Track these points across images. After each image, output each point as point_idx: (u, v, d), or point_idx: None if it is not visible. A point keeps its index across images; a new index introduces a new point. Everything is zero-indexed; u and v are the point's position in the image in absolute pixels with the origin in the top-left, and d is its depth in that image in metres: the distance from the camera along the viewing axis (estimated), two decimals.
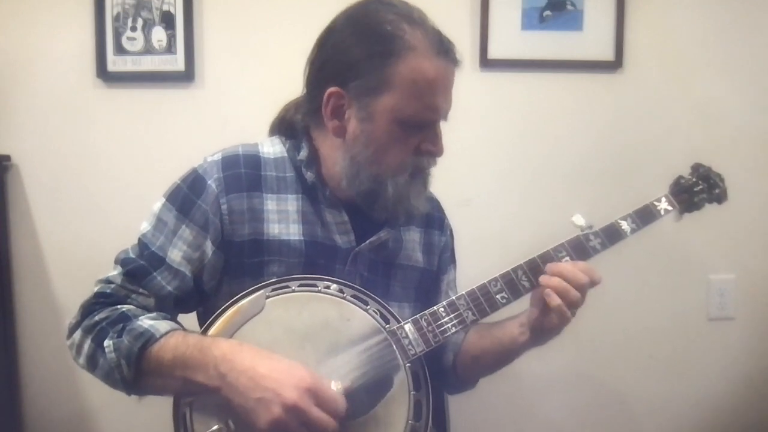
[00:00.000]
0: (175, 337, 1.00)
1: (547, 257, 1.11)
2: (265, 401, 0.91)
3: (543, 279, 1.07)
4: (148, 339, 0.98)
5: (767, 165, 1.93)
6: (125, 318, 1.02)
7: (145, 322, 1.01)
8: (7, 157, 1.83)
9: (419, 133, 1.08)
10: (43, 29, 1.82)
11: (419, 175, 1.12)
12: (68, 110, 1.84)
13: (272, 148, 1.17)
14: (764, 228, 1.95)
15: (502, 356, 1.21)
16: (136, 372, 0.99)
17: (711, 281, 1.96)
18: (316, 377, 0.95)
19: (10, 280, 1.85)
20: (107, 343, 1.00)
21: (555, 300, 1.05)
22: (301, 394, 0.91)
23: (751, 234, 1.94)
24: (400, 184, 1.10)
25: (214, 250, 1.09)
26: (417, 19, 1.06)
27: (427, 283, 1.27)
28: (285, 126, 1.20)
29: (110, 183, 1.85)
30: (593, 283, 1.07)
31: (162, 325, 1.01)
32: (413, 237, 1.25)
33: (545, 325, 1.09)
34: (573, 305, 1.06)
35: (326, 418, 0.92)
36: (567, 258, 1.11)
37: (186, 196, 1.10)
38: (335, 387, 0.97)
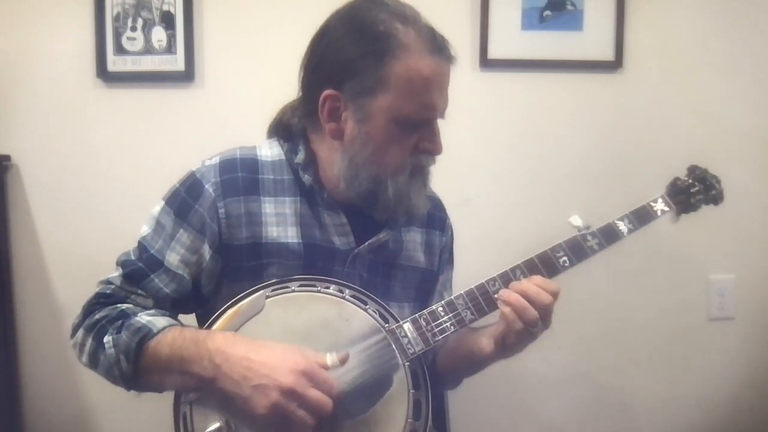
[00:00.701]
0: (173, 332, 1.01)
1: (545, 257, 1.11)
2: (262, 388, 0.92)
3: (502, 294, 1.06)
4: (145, 334, 0.99)
5: (767, 165, 1.93)
6: (124, 315, 1.04)
7: (143, 318, 1.02)
8: (7, 157, 1.83)
9: (417, 131, 1.08)
10: (43, 29, 1.82)
11: (419, 173, 1.12)
12: (68, 110, 1.84)
13: (270, 150, 1.17)
14: (764, 228, 1.95)
15: (473, 364, 1.20)
16: (135, 367, 1.00)
17: (711, 281, 1.96)
18: (309, 359, 0.96)
19: (10, 280, 1.85)
20: (107, 339, 1.01)
21: (510, 316, 1.04)
22: (296, 377, 0.92)
23: (751, 234, 1.94)
24: (400, 183, 1.09)
25: (212, 254, 1.10)
26: (410, 18, 1.05)
27: (428, 283, 1.27)
28: (282, 129, 1.20)
29: (110, 183, 1.85)
30: (555, 298, 1.05)
31: (159, 321, 1.02)
32: (414, 238, 1.25)
33: (506, 341, 1.08)
34: (531, 324, 1.04)
35: (323, 397, 0.93)
36: (565, 258, 1.11)
37: (183, 200, 1.11)
38: (330, 359, 0.98)
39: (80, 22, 1.81)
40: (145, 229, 1.12)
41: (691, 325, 1.96)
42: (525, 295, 1.04)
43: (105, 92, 1.85)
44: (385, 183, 1.09)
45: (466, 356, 1.18)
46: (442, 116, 1.11)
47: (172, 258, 1.09)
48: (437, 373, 1.27)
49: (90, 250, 1.74)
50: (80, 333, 1.06)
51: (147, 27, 1.82)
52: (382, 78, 1.03)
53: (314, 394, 0.93)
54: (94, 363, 1.04)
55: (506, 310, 1.04)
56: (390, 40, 1.03)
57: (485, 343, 1.12)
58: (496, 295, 1.07)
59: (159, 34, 1.82)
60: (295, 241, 1.12)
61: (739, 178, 1.76)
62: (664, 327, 1.95)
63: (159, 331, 1.00)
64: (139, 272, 1.09)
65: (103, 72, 1.82)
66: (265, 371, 0.93)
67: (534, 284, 1.05)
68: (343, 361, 0.99)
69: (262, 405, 0.92)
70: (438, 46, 1.06)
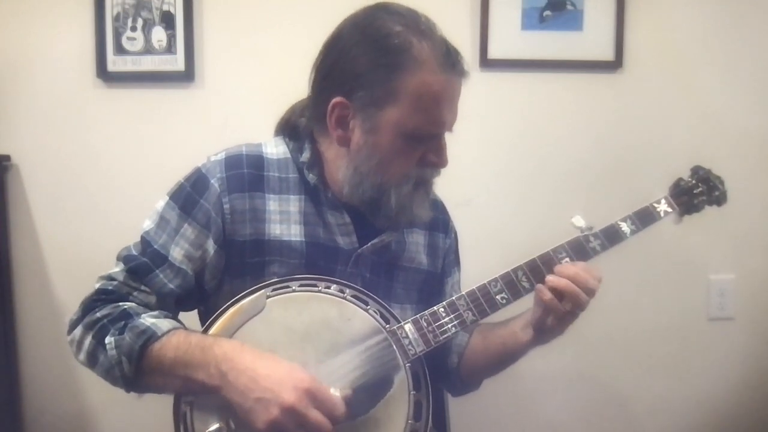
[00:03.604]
0: (177, 335, 1.00)
1: (547, 258, 1.11)
2: (264, 401, 0.91)
3: (551, 280, 1.07)
4: (149, 337, 0.99)
5: (767, 165, 1.93)
6: (127, 315, 1.03)
7: (147, 320, 1.02)
8: (7, 157, 1.83)
9: (424, 145, 1.08)
10: (43, 29, 1.82)
11: (422, 185, 1.12)
12: (68, 110, 1.84)
13: (276, 148, 1.17)
14: (764, 228, 1.95)
15: (506, 356, 1.21)
16: (137, 369, 0.99)
17: (711, 281, 1.96)
18: (315, 380, 0.95)
19: (10, 280, 1.86)
20: (108, 339, 1.00)
21: (553, 302, 1.06)
22: (299, 395, 0.92)
23: (751, 234, 1.94)
24: (403, 194, 1.09)
25: (216, 249, 1.09)
26: (424, 31, 1.05)
27: (431, 285, 1.27)
28: (289, 128, 1.20)
29: (110, 183, 1.85)
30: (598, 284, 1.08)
31: (164, 324, 1.01)
32: (417, 239, 1.25)
33: (548, 325, 1.10)
34: (580, 307, 1.07)
35: (323, 420, 0.92)
36: (567, 259, 1.11)
37: (189, 195, 1.11)
38: (334, 392, 0.97)
39: (80, 22, 1.81)
40: (148, 224, 1.12)
41: (691, 325, 1.96)
42: (574, 280, 1.05)
43: (105, 92, 1.85)
44: (388, 193, 1.09)
45: (499, 350, 1.19)
46: (450, 130, 1.11)
47: (177, 253, 1.09)
48: (461, 376, 1.28)
49: (90, 250, 1.74)
50: (79, 330, 1.05)
51: (147, 27, 1.82)
52: (393, 91, 1.03)
53: (314, 415, 0.92)
54: (92, 362, 1.03)
55: (547, 298, 1.06)
56: (403, 55, 1.02)
57: (521, 331, 1.14)
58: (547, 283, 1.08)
59: (159, 34, 1.82)
60: (298, 239, 1.12)
61: (740, 178, 1.74)
62: (664, 327, 1.95)
63: (163, 334, 0.99)
64: (143, 267, 1.08)
65: (103, 72, 1.82)
66: (268, 385, 0.92)
67: (578, 268, 1.07)
68: (345, 400, 0.98)
69: (262, 420, 0.91)
70: (451, 62, 1.05)
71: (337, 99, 1.06)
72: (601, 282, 1.08)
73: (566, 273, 1.07)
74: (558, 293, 1.06)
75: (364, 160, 1.08)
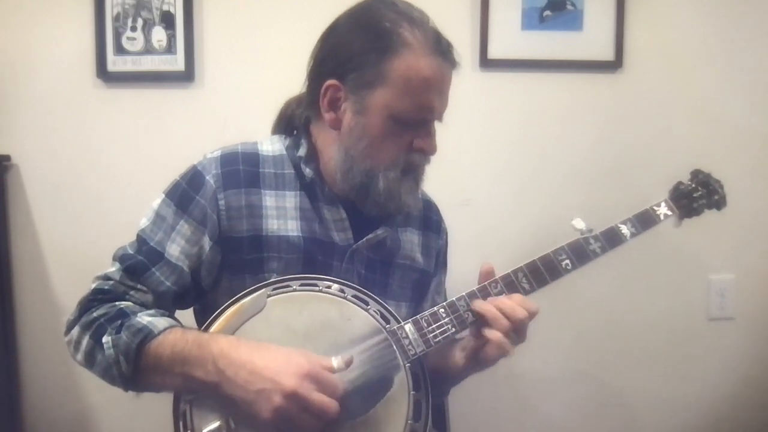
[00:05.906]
0: (174, 333, 1.00)
1: (547, 260, 1.11)
2: (266, 392, 0.92)
3: (480, 307, 1.06)
4: (146, 335, 0.99)
5: (767, 165, 1.93)
6: (123, 314, 1.03)
7: (144, 318, 1.02)
8: (7, 157, 1.83)
9: (412, 130, 1.10)
10: (43, 29, 1.82)
11: (411, 172, 1.13)
12: (68, 110, 1.84)
13: (271, 146, 1.18)
14: (764, 228, 1.95)
15: (449, 377, 1.19)
16: (135, 368, 0.99)
17: (711, 281, 1.96)
18: (313, 362, 0.95)
19: (10, 280, 1.85)
20: (105, 339, 1.00)
21: (495, 334, 1.04)
22: (299, 380, 0.92)
23: (751, 234, 1.95)
24: (391, 179, 1.10)
25: (212, 245, 1.10)
26: (417, 20, 1.07)
27: (424, 284, 1.28)
28: (285, 122, 1.22)
29: (110, 183, 1.85)
30: (531, 315, 1.06)
31: (160, 322, 1.01)
32: (412, 238, 1.25)
33: (482, 356, 1.08)
34: (512, 340, 1.05)
35: (327, 400, 0.93)
36: (567, 261, 1.11)
37: (184, 192, 1.11)
38: (336, 362, 0.97)
39: (80, 22, 1.81)
40: (144, 222, 1.12)
41: (691, 325, 1.97)
42: (499, 309, 1.04)
43: (105, 92, 1.85)
44: (376, 177, 1.10)
45: (440, 370, 1.16)
46: (439, 119, 1.12)
47: (173, 249, 1.09)
48: None
49: (90, 250, 1.72)
50: (76, 330, 1.05)
51: (147, 27, 1.82)
52: (383, 73, 1.05)
53: (318, 397, 0.92)
54: (90, 362, 1.03)
55: (491, 330, 1.04)
56: (394, 37, 1.05)
57: (459, 356, 1.12)
58: (471, 306, 1.06)
59: (159, 34, 1.82)
60: (296, 234, 1.12)
61: (739, 179, 1.75)
62: (664, 327, 1.95)
63: (160, 333, 0.99)
64: (139, 265, 1.08)
65: (103, 72, 1.82)
66: (268, 375, 0.92)
67: (511, 300, 1.06)
68: (348, 364, 0.98)
69: (266, 409, 0.92)
70: (441, 50, 1.07)
71: (330, 81, 1.09)
72: (534, 315, 1.06)
73: (492, 301, 1.06)
74: (484, 319, 1.05)
75: (355, 142, 1.09)
